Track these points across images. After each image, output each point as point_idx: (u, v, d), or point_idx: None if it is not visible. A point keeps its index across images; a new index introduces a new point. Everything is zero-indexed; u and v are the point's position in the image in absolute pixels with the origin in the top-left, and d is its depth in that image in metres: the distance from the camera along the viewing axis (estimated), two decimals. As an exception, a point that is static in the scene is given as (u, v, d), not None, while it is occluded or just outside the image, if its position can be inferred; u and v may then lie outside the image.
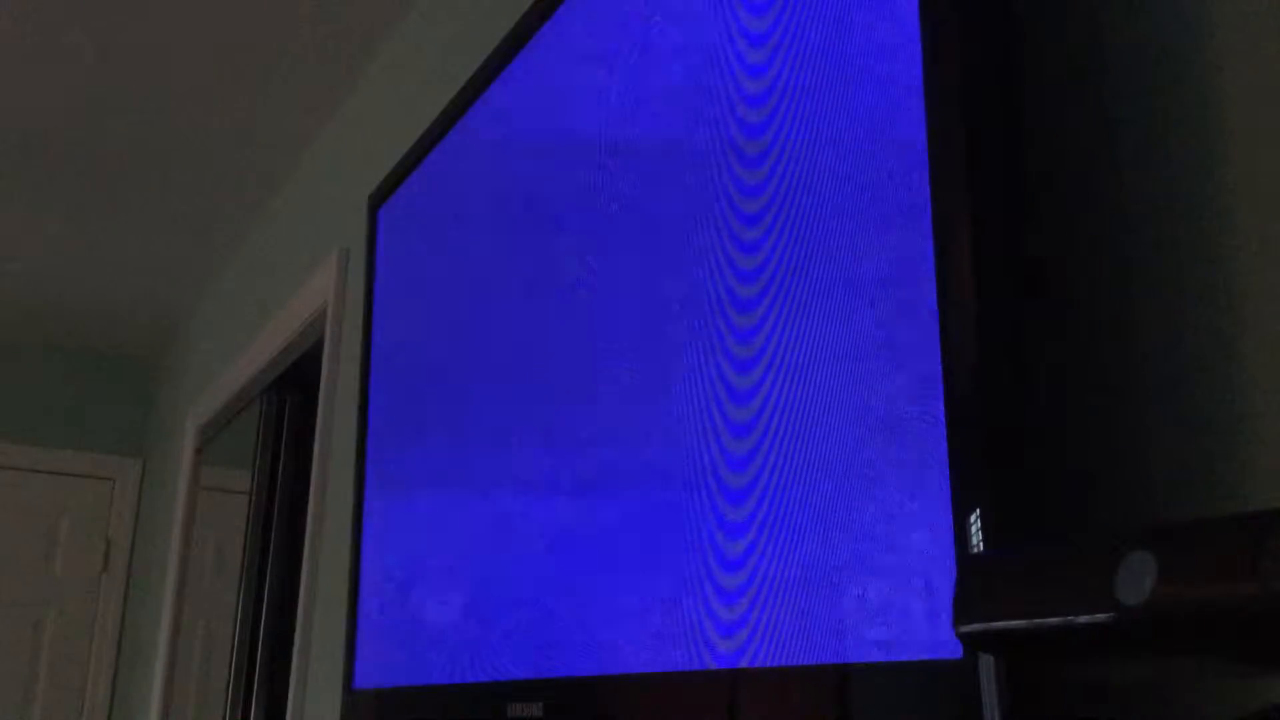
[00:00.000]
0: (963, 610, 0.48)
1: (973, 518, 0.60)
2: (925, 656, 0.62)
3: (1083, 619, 0.40)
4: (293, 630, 2.27)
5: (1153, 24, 0.72)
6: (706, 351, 0.86)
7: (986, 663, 0.57)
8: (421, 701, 1.26)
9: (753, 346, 0.81)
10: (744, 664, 0.76)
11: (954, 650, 0.59)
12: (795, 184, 0.79)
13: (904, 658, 0.63)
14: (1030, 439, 0.64)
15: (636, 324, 0.96)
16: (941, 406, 0.64)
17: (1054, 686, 0.58)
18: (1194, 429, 0.66)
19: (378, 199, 1.68)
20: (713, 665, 0.79)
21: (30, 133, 2.71)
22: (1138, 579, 0.38)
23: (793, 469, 0.75)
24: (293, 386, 2.99)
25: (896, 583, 0.65)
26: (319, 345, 2.35)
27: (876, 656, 0.65)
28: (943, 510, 0.62)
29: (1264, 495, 0.61)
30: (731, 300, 0.84)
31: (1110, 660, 0.45)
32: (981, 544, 0.59)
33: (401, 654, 1.34)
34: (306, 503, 2.23)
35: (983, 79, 0.68)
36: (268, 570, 3.10)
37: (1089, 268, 0.73)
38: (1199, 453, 0.65)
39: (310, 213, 2.63)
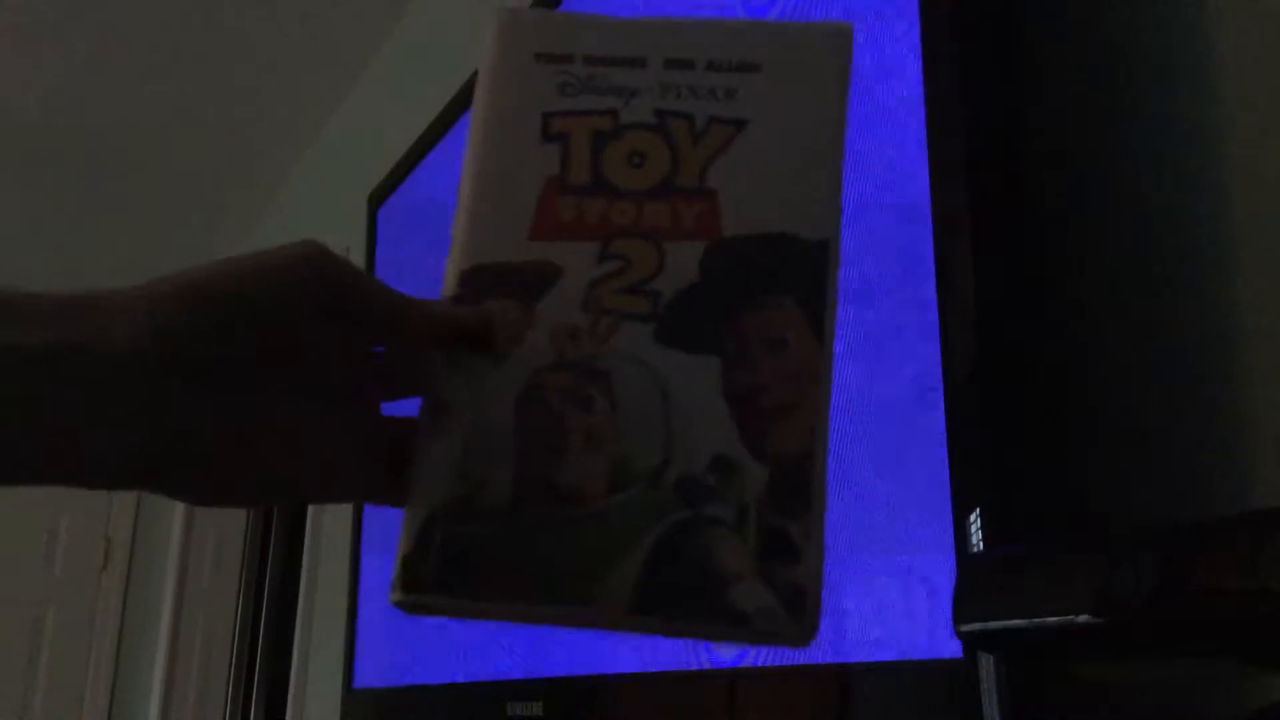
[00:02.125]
0: (963, 610, 0.48)
1: (973, 518, 0.60)
2: (925, 656, 0.62)
3: (1083, 619, 0.40)
4: (293, 630, 2.27)
5: (1153, 23, 0.72)
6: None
7: (986, 663, 0.57)
8: (421, 701, 1.26)
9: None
10: (744, 664, 0.76)
11: (954, 650, 0.59)
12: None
13: (904, 658, 0.63)
14: (1030, 439, 0.64)
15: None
16: (941, 405, 0.64)
17: (1054, 686, 0.58)
18: (1194, 429, 0.66)
19: (378, 198, 1.68)
20: (712, 665, 0.79)
21: (30, 135, 2.71)
22: (1138, 579, 0.38)
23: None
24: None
25: (896, 582, 0.65)
26: (319, 345, 2.34)
27: (876, 656, 0.65)
28: (943, 510, 0.62)
29: (1264, 495, 0.61)
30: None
31: (1110, 660, 0.45)
32: (981, 544, 0.59)
33: (401, 654, 1.34)
34: (306, 503, 2.23)
35: (983, 78, 0.68)
36: (268, 570, 3.10)
37: (1089, 268, 0.73)
38: (1199, 453, 0.65)
39: (310, 212, 2.63)
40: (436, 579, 0.36)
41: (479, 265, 0.40)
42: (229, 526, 3.27)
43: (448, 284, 0.40)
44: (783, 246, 0.38)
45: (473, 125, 0.43)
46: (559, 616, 0.35)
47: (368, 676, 1.44)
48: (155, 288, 0.35)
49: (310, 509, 2.23)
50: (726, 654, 0.78)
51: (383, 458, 0.38)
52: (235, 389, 0.35)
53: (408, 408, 0.39)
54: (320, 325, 0.36)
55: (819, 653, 0.70)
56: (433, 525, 0.36)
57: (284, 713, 2.26)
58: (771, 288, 0.38)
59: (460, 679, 1.17)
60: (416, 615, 0.36)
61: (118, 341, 0.33)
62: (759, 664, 0.75)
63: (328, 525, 2.12)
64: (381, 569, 1.46)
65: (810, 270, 0.38)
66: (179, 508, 3.36)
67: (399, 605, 0.36)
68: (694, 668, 0.81)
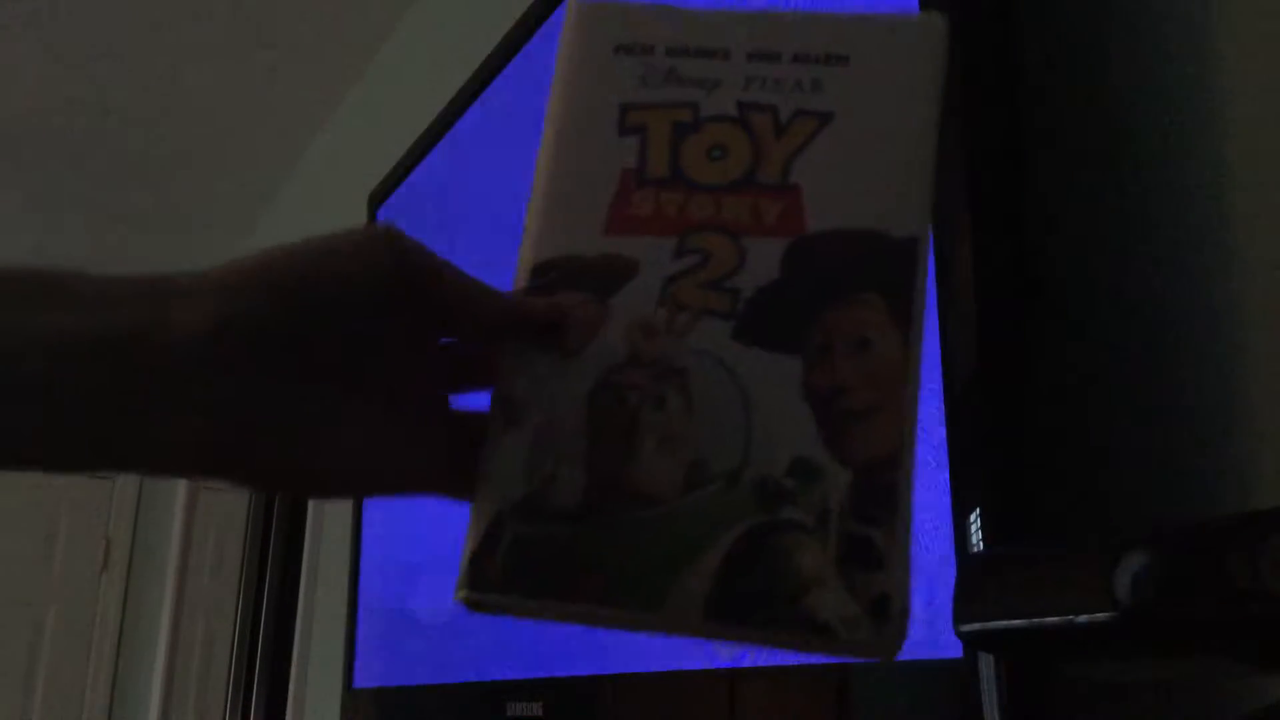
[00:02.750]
0: (963, 610, 0.48)
1: (973, 518, 0.60)
2: (925, 656, 0.62)
3: (1083, 619, 0.40)
4: (293, 630, 2.27)
5: (1154, 23, 0.72)
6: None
7: (986, 663, 0.57)
8: (421, 701, 1.26)
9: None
10: (744, 664, 0.76)
11: (954, 650, 0.59)
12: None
13: (904, 657, 0.63)
14: (1030, 439, 0.64)
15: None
16: (941, 406, 0.64)
17: (1054, 686, 0.58)
18: (1194, 429, 0.66)
19: (378, 198, 1.68)
20: (712, 665, 0.79)
21: (31, 136, 2.71)
22: (1138, 579, 0.38)
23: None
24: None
25: (896, 583, 0.65)
26: (319, 345, 2.34)
27: (876, 656, 0.65)
28: (943, 510, 0.62)
29: (1264, 495, 0.61)
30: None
31: (1110, 660, 0.45)
32: (981, 544, 0.59)
33: (401, 654, 1.34)
34: (307, 502, 2.23)
35: (983, 78, 0.68)
36: (268, 570, 3.10)
37: (1089, 267, 0.73)
38: (1199, 453, 0.65)
39: (310, 212, 2.63)
40: (503, 578, 0.35)
41: (552, 259, 0.39)
42: (229, 526, 3.27)
43: (519, 277, 0.39)
44: (869, 243, 0.37)
45: (549, 116, 0.41)
46: (627, 620, 0.34)
47: (368, 676, 1.44)
48: (223, 275, 0.34)
49: (310, 508, 2.23)
50: (727, 654, 0.78)
51: (451, 451, 0.37)
52: (302, 378, 0.34)
53: (477, 402, 0.39)
54: (392, 312, 0.35)
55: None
56: (501, 523, 0.35)
57: (284, 713, 2.26)
58: (856, 285, 0.36)
59: (460, 679, 1.17)
60: (481, 614, 0.35)
61: (180, 329, 0.32)
62: (759, 664, 0.75)
63: (328, 526, 2.11)
64: (380, 569, 1.46)
65: (898, 267, 0.37)
66: (179, 508, 3.36)
67: (464, 603, 0.35)
68: (694, 668, 0.81)
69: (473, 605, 0.35)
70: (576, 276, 0.38)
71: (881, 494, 0.35)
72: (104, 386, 0.32)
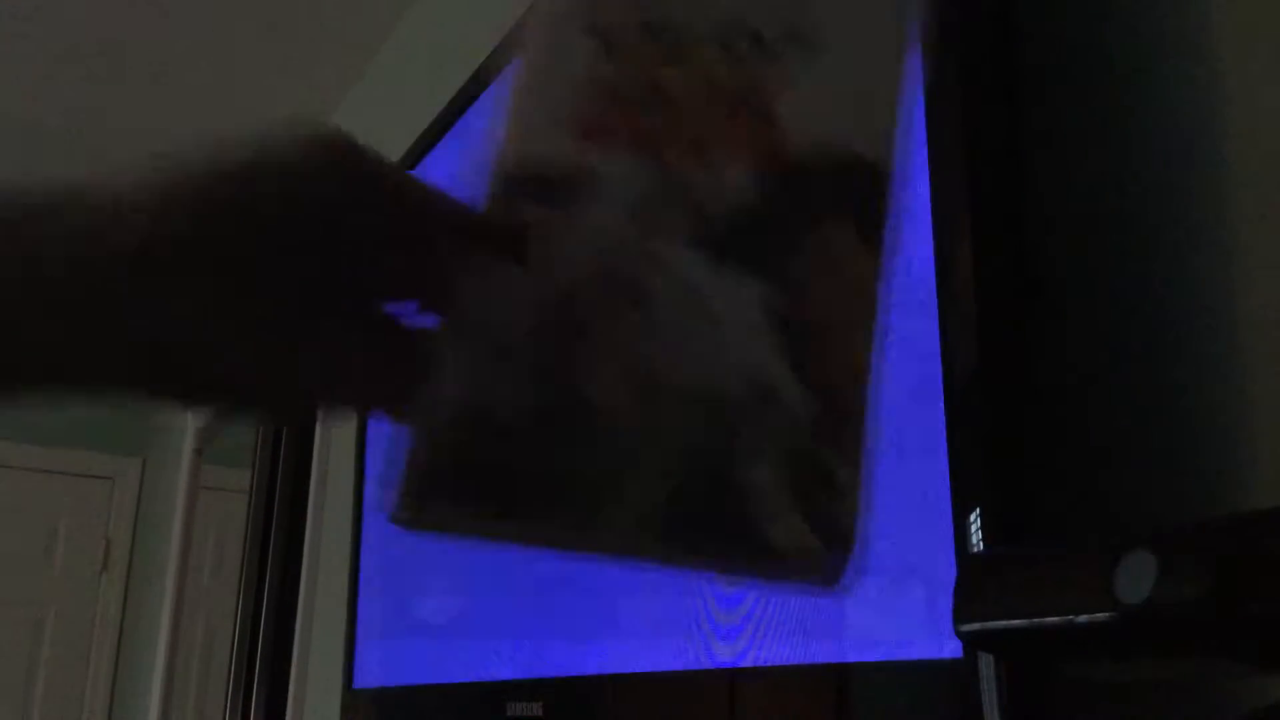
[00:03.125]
0: (963, 610, 0.48)
1: (973, 518, 0.60)
2: (925, 656, 0.62)
3: (1083, 619, 0.40)
4: (293, 630, 2.27)
5: (1154, 23, 0.72)
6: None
7: (986, 663, 0.57)
8: (421, 701, 1.26)
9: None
10: (744, 664, 0.76)
11: (954, 650, 0.59)
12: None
13: (904, 657, 0.63)
14: (1030, 439, 0.64)
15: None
16: (941, 406, 0.63)
17: (1054, 686, 0.58)
18: (1194, 429, 0.66)
19: (378, 199, 1.67)
20: (712, 665, 0.79)
21: (32, 134, 2.71)
22: (1138, 579, 0.38)
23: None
24: (293, 386, 2.98)
25: (896, 582, 0.65)
26: (319, 345, 2.34)
27: (876, 656, 0.65)
28: (943, 510, 0.62)
29: (1264, 495, 0.61)
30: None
31: (1110, 660, 0.45)
32: (981, 544, 0.59)
33: (401, 654, 1.34)
34: (306, 503, 2.23)
35: (983, 78, 0.68)
36: (268, 570, 3.10)
37: (1089, 268, 0.73)
38: (1199, 453, 0.65)
39: (310, 212, 2.62)
40: (447, 492, 0.33)
41: (516, 171, 0.38)
42: (229, 526, 3.27)
43: (480, 189, 0.38)
44: (843, 166, 0.36)
45: (524, 28, 0.41)
46: (571, 540, 0.33)
47: (368, 676, 1.44)
48: (162, 187, 0.33)
49: (311, 507, 2.23)
50: (729, 657, 0.78)
51: (397, 371, 0.36)
52: (237, 297, 0.33)
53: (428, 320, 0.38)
54: (338, 225, 0.34)
55: (819, 653, 0.70)
56: (447, 437, 0.34)
57: (284, 713, 2.26)
58: (829, 208, 0.36)
59: (460, 679, 1.17)
60: (421, 531, 0.34)
61: (106, 250, 0.32)
62: (759, 664, 0.75)
63: (328, 526, 2.11)
64: (380, 570, 1.46)
65: (871, 191, 0.36)
66: (179, 508, 3.36)
67: (398, 523, 0.34)
68: (694, 668, 0.81)
69: (407, 524, 0.34)
70: (541, 189, 0.37)
71: (843, 420, 0.34)
72: (49, 301, 0.31)
